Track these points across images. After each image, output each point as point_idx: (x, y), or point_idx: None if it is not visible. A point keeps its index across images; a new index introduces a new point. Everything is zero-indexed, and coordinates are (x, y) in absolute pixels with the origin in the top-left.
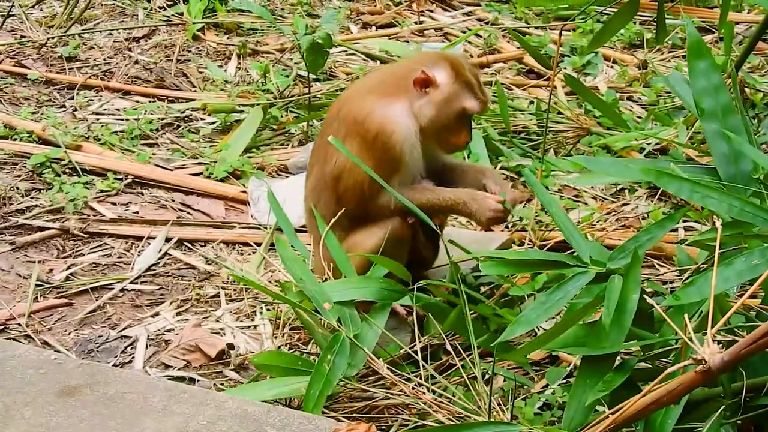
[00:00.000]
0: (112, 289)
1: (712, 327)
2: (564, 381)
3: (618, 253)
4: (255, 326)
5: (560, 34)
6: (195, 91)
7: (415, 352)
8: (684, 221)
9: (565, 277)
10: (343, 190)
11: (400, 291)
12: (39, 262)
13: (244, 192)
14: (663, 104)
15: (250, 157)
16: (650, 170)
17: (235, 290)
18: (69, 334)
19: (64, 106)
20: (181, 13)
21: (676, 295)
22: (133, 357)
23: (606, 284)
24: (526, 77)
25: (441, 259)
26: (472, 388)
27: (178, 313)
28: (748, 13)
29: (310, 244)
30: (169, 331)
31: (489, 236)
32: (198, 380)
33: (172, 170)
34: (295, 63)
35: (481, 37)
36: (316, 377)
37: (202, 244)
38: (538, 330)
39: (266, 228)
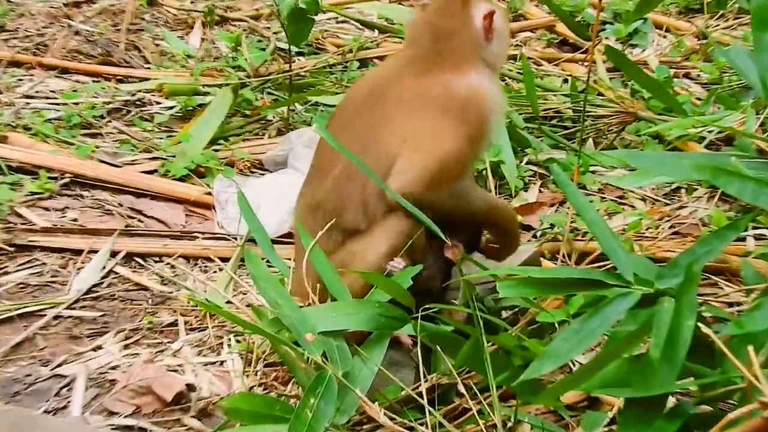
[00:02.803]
0: (44, 315)
1: None
2: (605, 429)
3: (669, 270)
4: (221, 362)
5: None
6: (149, 68)
7: (420, 394)
8: (754, 228)
9: (604, 300)
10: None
11: (400, 318)
12: None
13: (209, 194)
14: (727, 83)
15: (216, 151)
16: (705, 166)
17: (196, 317)
18: None
19: None
20: None
21: (739, 322)
22: (69, 401)
23: (655, 308)
24: (559, 50)
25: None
26: None
27: (125, 346)
28: None
29: (290, 259)
30: (114, 368)
31: None
32: (150, 430)
33: (119, 167)
34: (274, 33)
35: (503, 0)
36: (297, 426)
37: (157, 259)
38: (573, 365)
39: (236, 239)
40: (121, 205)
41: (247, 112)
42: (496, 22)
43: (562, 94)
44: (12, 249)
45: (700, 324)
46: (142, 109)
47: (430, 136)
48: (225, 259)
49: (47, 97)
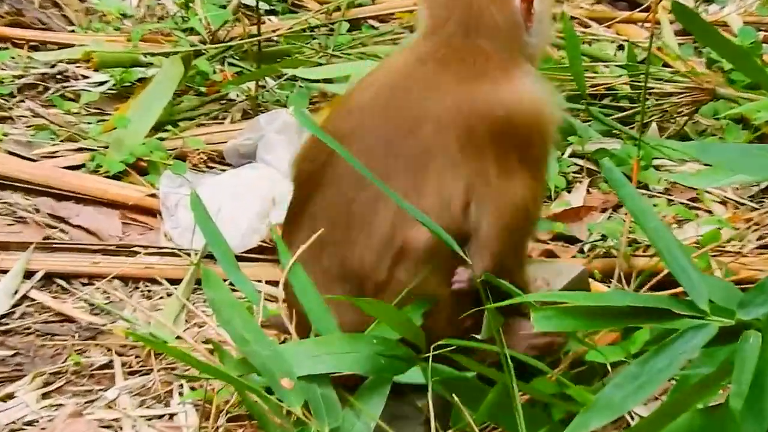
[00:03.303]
0: None
1: None
2: None
3: (755, 295)
4: (171, 415)
5: None
6: (73, 31)
7: None
8: None
9: (672, 335)
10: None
11: (405, 357)
12: None
13: (154, 196)
14: None
15: (162, 139)
16: None
17: (137, 357)
18: None
19: None
20: None
21: None
22: None
23: (736, 345)
24: (613, 7)
25: None
26: None
27: (45, 395)
28: None
29: (260, 281)
30: (30, 423)
31: (552, 267)
32: None
33: (35, 161)
34: None
35: None
36: None
37: (85, 281)
38: (631, 419)
39: (189, 255)
40: (37, 211)
41: (203, 89)
42: (536, 4)
43: (617, 65)
44: None
45: None
46: (65, 84)
47: (500, 180)
48: (175, 281)
49: None
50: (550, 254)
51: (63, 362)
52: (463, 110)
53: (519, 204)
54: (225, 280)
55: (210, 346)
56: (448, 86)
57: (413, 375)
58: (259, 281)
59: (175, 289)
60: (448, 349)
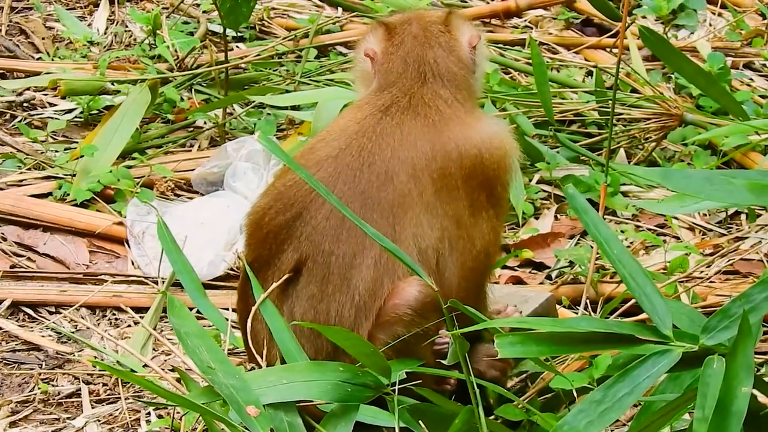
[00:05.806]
0: None
1: None
2: None
3: (718, 321)
4: None
5: None
6: (40, 58)
7: None
8: None
9: (636, 360)
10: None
11: (372, 385)
12: None
13: (121, 224)
14: None
15: (129, 167)
16: (764, 188)
17: (105, 385)
18: None
19: None
20: None
21: None
22: None
23: (700, 370)
24: (581, 33)
25: None
26: None
27: (12, 424)
28: None
29: (227, 309)
30: None
31: (520, 293)
32: None
33: (2, 189)
34: (204, 12)
35: None
36: None
37: (52, 309)
38: None
39: (156, 283)
40: (4, 239)
41: (170, 117)
42: (479, 47)
43: (585, 92)
44: None
45: (757, 391)
46: (31, 112)
47: (470, 219)
48: (141, 310)
49: None
50: (518, 281)
51: (30, 391)
52: (436, 153)
53: (481, 250)
54: (192, 308)
55: (176, 375)
56: (418, 132)
57: (378, 414)
58: (226, 309)
59: (142, 317)
60: (415, 383)
